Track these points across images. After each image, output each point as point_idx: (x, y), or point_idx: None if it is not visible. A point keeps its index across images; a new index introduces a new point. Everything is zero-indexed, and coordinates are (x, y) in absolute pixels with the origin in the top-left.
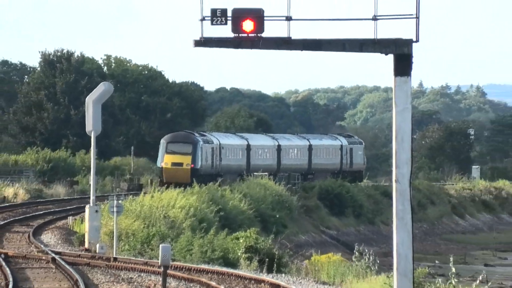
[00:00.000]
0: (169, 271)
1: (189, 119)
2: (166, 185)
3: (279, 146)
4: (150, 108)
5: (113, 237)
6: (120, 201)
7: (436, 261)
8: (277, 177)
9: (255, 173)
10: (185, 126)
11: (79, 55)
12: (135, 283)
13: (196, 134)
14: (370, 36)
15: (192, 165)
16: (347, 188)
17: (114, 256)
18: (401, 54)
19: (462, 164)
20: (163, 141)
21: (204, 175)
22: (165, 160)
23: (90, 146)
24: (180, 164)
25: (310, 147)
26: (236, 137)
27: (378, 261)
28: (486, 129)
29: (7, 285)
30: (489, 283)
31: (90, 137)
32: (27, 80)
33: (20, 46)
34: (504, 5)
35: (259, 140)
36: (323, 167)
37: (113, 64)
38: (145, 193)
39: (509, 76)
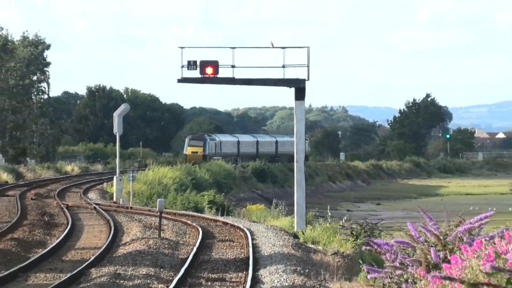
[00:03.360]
0: (163, 215)
1: (174, 126)
2: (188, 163)
3: (257, 141)
4: (151, 119)
5: (130, 194)
6: (133, 174)
7: (316, 208)
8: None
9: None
10: (171, 130)
11: (110, 88)
12: (143, 222)
13: (206, 135)
14: (281, 76)
15: (203, 153)
16: (268, 166)
17: (130, 206)
18: (299, 87)
19: (334, 151)
20: (186, 139)
21: (210, 159)
22: (188, 150)
23: (116, 141)
24: (196, 152)
25: (276, 142)
26: (231, 136)
27: (286, 209)
28: (348, 131)
29: (67, 222)
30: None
31: (116, 136)
32: (78, 102)
33: (74, 82)
34: (363, 57)
35: (245, 138)
36: (284, 153)
37: (130, 93)
38: (148, 169)
39: (362, 100)
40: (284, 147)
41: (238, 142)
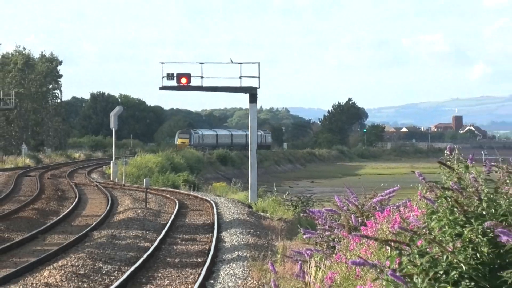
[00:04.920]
0: (148, 191)
1: (157, 123)
2: (178, 150)
3: (231, 134)
4: (139, 118)
5: (123, 175)
6: (126, 159)
7: (265, 185)
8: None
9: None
10: (154, 126)
11: (107, 94)
12: (133, 195)
13: (191, 130)
14: (239, 85)
15: (190, 143)
16: (228, 154)
17: (124, 184)
18: (252, 93)
19: (279, 142)
20: (177, 133)
21: (194, 148)
22: (178, 141)
23: (113, 134)
24: (184, 142)
25: (246, 135)
26: (211, 131)
27: (242, 186)
28: (289, 127)
29: (76, 196)
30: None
31: (113, 130)
32: (83, 105)
33: (81, 89)
34: (301, 70)
35: (222, 132)
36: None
37: (123, 97)
38: (137, 156)
39: (300, 103)
40: None
41: (217, 135)
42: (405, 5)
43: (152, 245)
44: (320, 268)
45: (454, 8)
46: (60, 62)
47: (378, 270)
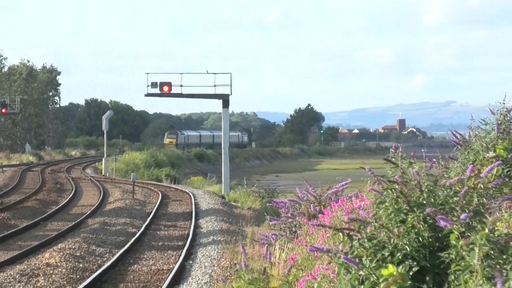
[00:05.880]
0: (135, 184)
1: (142, 125)
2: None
3: (213, 135)
4: (127, 121)
5: (113, 170)
6: (116, 156)
7: (237, 179)
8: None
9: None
10: (140, 128)
11: (100, 100)
12: (122, 188)
13: (178, 131)
14: (213, 92)
15: (176, 142)
16: (204, 152)
17: (114, 177)
18: (225, 100)
19: (248, 142)
20: (166, 134)
21: (180, 147)
22: (166, 140)
23: (104, 135)
24: (172, 142)
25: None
26: (195, 132)
27: (216, 179)
28: (257, 129)
29: (72, 188)
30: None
31: (104, 132)
32: (79, 110)
33: (77, 96)
34: (267, 79)
35: (205, 133)
36: (232, 143)
37: (113, 103)
38: (125, 154)
39: (266, 107)
40: (231, 139)
41: (200, 136)
42: (357, 23)
43: (138, 230)
44: (284, 250)
45: (398, 26)
46: (59, 73)
47: (332, 254)
